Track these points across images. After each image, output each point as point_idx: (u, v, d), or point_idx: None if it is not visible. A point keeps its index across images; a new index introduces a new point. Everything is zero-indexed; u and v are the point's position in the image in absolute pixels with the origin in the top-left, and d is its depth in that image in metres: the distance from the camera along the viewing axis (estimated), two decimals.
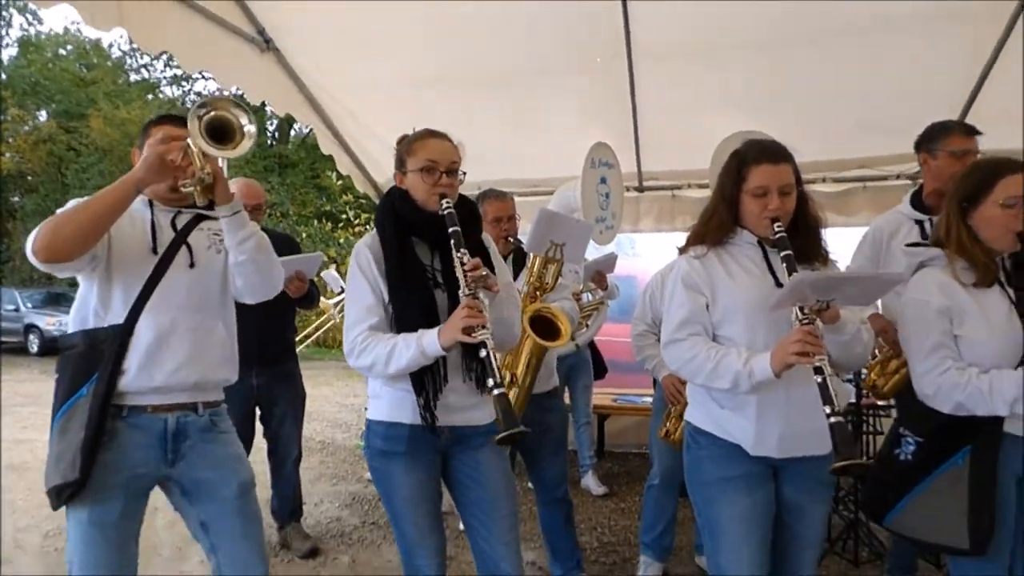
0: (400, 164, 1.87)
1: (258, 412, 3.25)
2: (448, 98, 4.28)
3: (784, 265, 1.67)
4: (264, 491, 3.38)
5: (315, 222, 18.49)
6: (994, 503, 1.70)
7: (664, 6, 3.25)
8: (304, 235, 17.00)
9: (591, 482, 4.35)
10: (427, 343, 1.68)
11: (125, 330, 1.72)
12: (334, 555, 3.33)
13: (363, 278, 1.82)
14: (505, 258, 2.82)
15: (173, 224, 1.86)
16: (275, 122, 21.05)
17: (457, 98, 4.25)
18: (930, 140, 2.62)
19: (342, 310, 5.06)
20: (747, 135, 3.34)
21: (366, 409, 1.97)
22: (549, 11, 3.30)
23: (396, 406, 1.84)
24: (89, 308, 1.76)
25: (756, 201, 1.75)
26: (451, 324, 1.66)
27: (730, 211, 1.81)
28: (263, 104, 4.09)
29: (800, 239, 1.76)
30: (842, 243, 2.77)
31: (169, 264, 1.80)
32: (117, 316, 1.74)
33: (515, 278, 2.79)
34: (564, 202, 3.99)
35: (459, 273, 1.70)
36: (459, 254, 1.70)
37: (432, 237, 1.84)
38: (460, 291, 1.68)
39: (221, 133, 1.68)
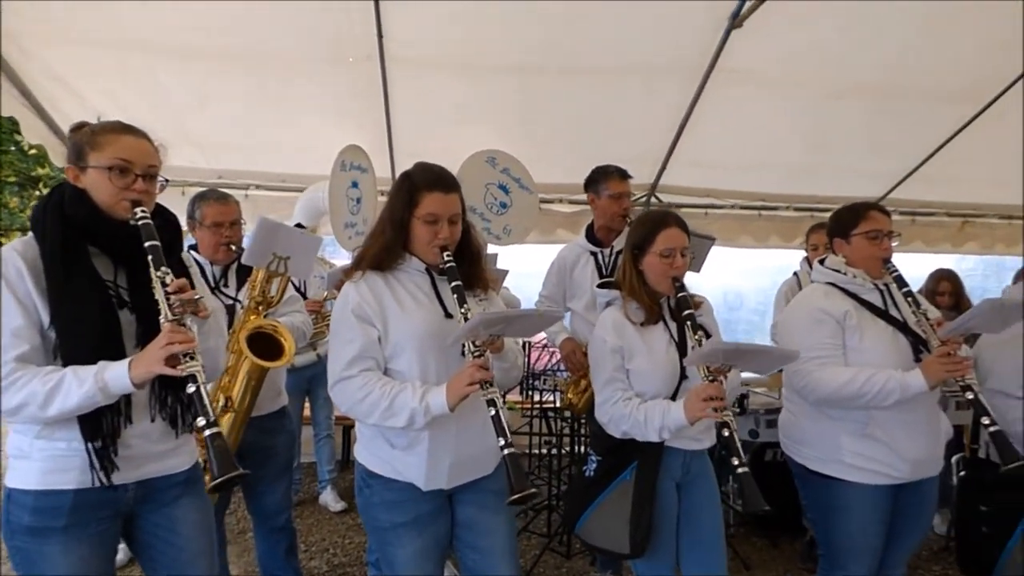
0: (78, 157, 1.54)
1: None
2: (181, 71, 3.75)
3: (455, 296, 1.70)
4: None
5: (18, 190, 15.09)
6: (653, 511, 1.95)
7: (416, 14, 3.23)
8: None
9: (329, 498, 4.13)
10: (111, 377, 1.41)
11: None
12: None
13: (11, 294, 1.46)
14: (227, 268, 2.54)
15: None
16: None
17: (192, 72, 3.74)
18: (595, 182, 2.99)
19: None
20: (492, 154, 3.50)
21: None
22: None
23: (54, 468, 1.50)
24: None
25: (427, 228, 1.74)
26: (149, 355, 1.41)
27: (399, 235, 1.78)
28: None
29: (466, 266, 1.81)
30: None
31: None
32: None
33: (237, 290, 2.52)
34: (312, 204, 3.75)
35: (159, 296, 1.45)
36: (159, 273, 1.46)
37: (115, 249, 1.56)
38: (162, 317, 1.44)
39: None
